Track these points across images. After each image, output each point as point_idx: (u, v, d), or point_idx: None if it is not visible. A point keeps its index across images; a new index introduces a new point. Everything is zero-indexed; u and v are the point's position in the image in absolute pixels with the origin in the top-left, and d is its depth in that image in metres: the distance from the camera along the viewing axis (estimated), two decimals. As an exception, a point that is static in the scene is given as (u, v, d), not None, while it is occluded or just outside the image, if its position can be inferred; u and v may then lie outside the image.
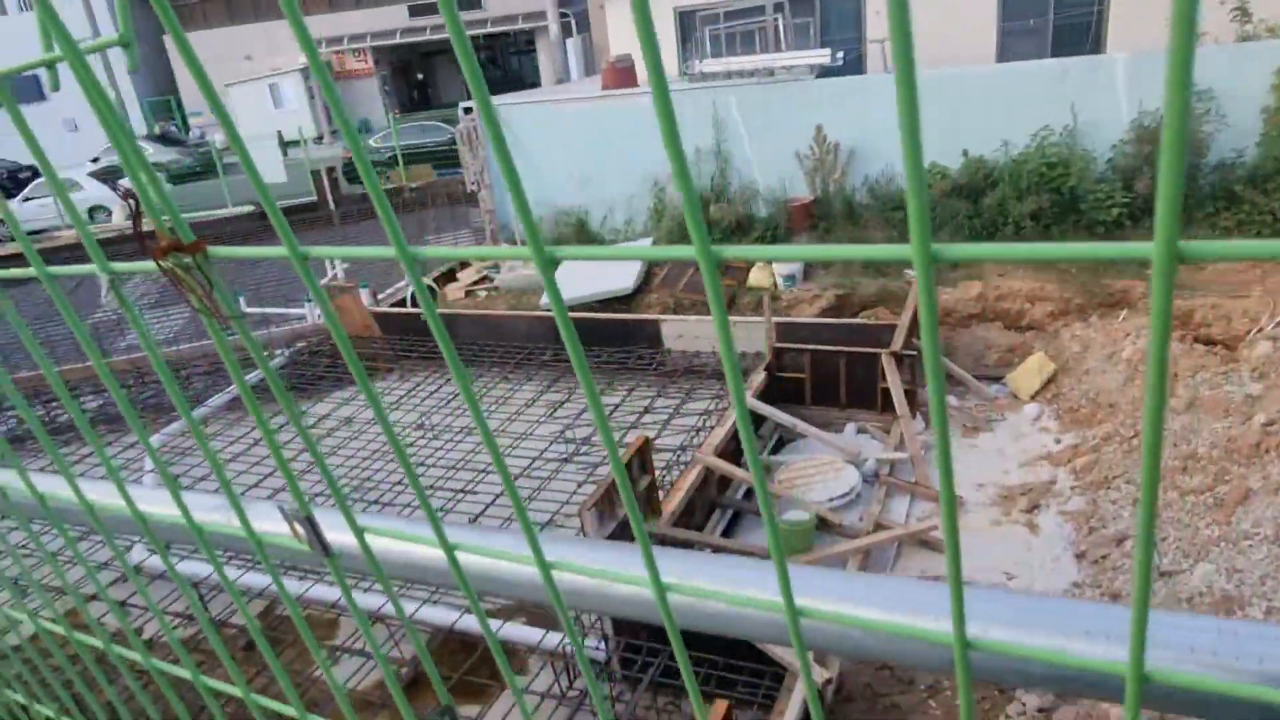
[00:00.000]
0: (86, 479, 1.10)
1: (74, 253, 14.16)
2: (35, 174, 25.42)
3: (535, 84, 30.36)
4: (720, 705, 3.96)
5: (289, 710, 0.92)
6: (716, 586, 0.67)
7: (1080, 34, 12.14)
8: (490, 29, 31.88)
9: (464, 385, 0.57)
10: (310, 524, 0.65)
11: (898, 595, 0.63)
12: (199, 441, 0.74)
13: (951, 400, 8.41)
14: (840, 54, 10.87)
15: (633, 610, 0.72)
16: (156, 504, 0.97)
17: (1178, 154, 0.32)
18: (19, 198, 22.50)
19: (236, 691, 0.95)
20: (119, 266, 0.67)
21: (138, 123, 33.25)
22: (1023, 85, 9.25)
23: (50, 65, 0.63)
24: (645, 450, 6.13)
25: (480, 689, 5.86)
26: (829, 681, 4.90)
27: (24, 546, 7.08)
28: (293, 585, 6.79)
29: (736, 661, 5.19)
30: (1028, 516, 6.67)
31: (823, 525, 6.63)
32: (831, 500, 6.92)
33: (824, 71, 10.44)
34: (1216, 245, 0.34)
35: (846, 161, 9.79)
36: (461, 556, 0.73)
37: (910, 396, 7.86)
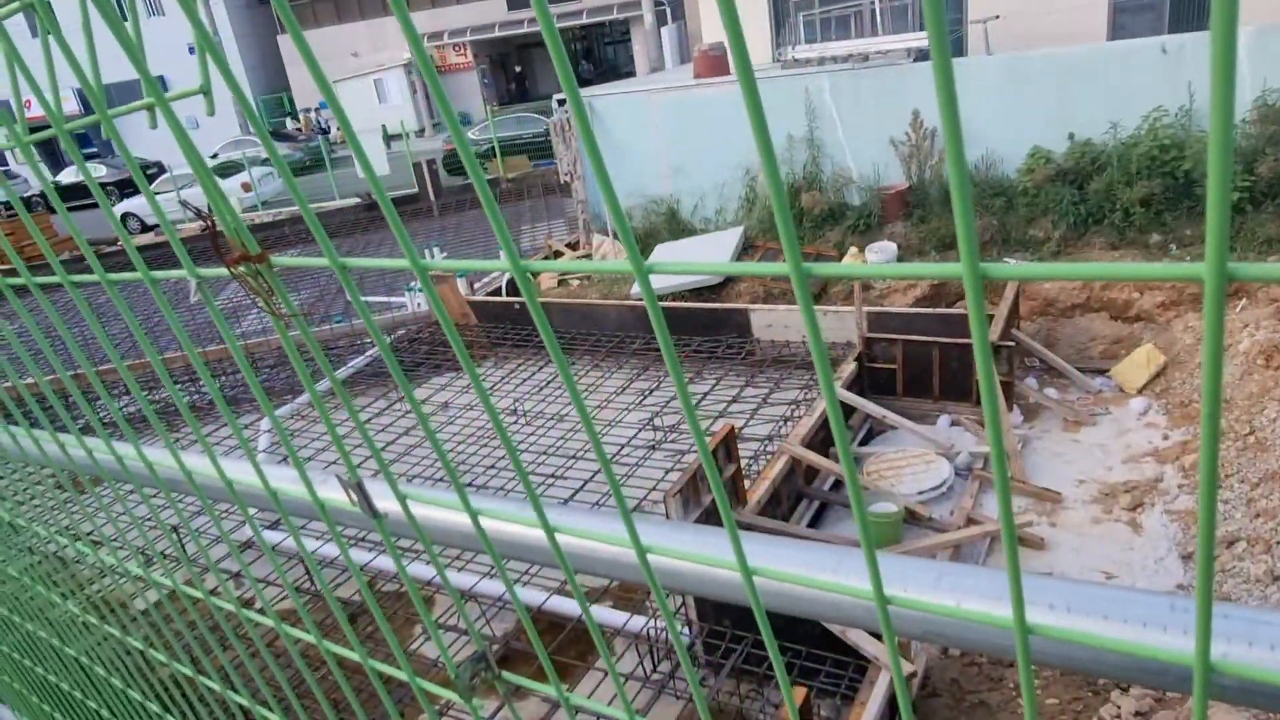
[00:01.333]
0: (221, 457, 1.20)
1: (196, 244, 14.99)
2: (160, 170, 27.00)
3: (630, 74, 30.46)
4: (799, 692, 3.98)
5: (399, 674, 0.99)
6: (802, 571, 0.69)
7: (1200, 8, 11.48)
8: (586, 20, 32.14)
9: (563, 369, 0.59)
10: (360, 489, 0.72)
11: (985, 583, 0.63)
12: (323, 416, 0.79)
13: (1052, 393, 8.13)
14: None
15: (722, 592, 0.74)
16: (281, 480, 1.04)
17: (1224, 172, 0.33)
18: (141, 195, 23.95)
19: (355, 656, 1.01)
20: (204, 272, 0.75)
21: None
22: (1135, 64, 8.82)
23: (150, 109, 0.72)
24: (731, 439, 6.15)
25: (567, 669, 6.01)
26: (914, 675, 4.85)
27: (148, 520, 7.62)
28: (389, 562, 7.09)
29: (820, 652, 5.18)
30: (1131, 515, 6.41)
31: (912, 518, 6.53)
32: (921, 493, 6.80)
33: (922, 55, 10.18)
34: (1268, 267, 0.35)
35: (944, 147, 9.53)
36: (561, 538, 0.77)
37: (1007, 389, 7.64)
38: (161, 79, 30.64)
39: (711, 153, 10.70)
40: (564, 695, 0.79)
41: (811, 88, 9.83)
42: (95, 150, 33.57)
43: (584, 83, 32.31)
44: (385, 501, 0.85)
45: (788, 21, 12.22)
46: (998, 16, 10.43)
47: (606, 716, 0.78)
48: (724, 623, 5.64)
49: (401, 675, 1.02)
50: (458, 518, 0.83)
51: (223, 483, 1.11)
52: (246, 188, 22.79)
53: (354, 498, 0.72)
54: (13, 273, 1.22)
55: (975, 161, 9.51)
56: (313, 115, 32.84)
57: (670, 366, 0.57)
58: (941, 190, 9.56)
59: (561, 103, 11.39)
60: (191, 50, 33.54)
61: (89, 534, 7.60)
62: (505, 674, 0.77)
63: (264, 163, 26.29)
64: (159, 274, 0.85)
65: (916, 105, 9.45)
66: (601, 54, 39.92)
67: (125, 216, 22.91)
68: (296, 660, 1.21)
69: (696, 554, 0.72)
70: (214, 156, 27.89)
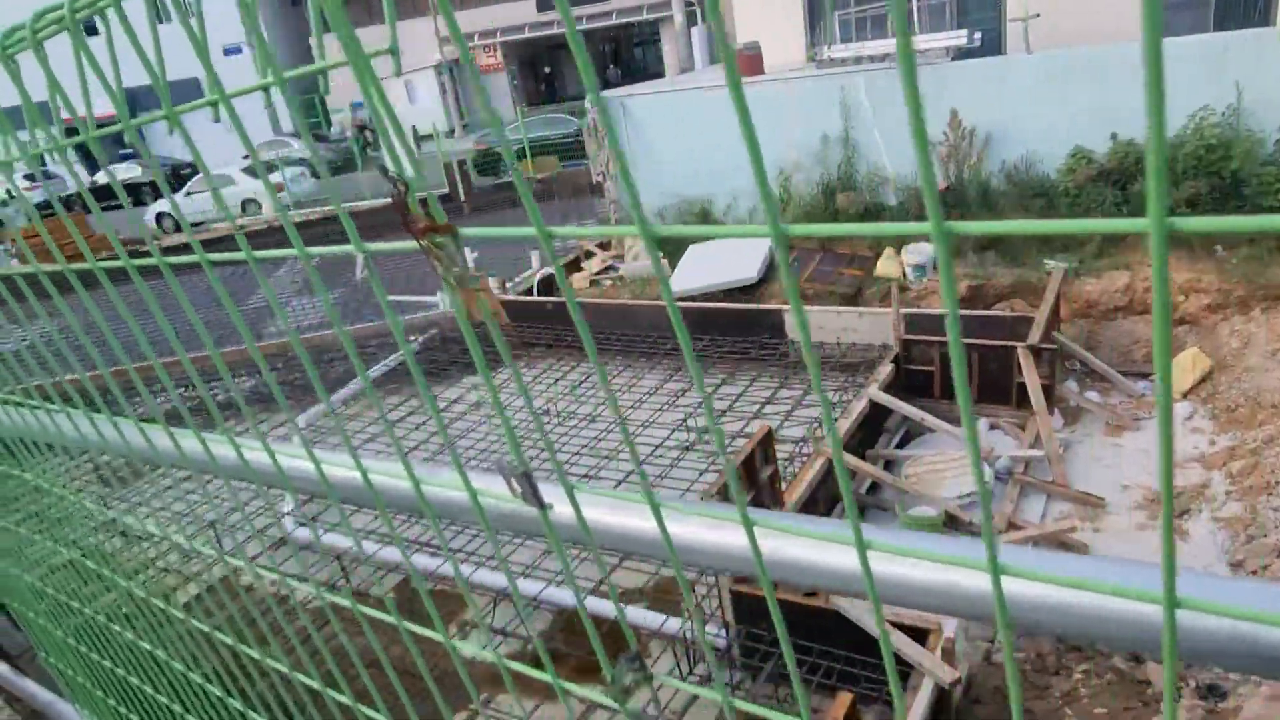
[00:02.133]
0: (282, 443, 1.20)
1: (230, 245, 15.11)
2: (194, 170, 27.35)
3: (659, 75, 30.44)
4: (844, 698, 3.92)
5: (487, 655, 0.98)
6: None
7: (1246, 5, 11.25)
8: (615, 20, 32.16)
9: (598, 365, 0.62)
10: (527, 479, 0.69)
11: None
12: (430, 407, 0.81)
13: (1094, 397, 7.99)
14: (978, 35, 10.45)
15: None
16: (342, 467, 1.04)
17: (1160, 128, 0.36)
18: (181, 192, 24.25)
19: (438, 636, 1.03)
20: (374, 247, 0.74)
21: (286, 120, 35.23)
22: (1179, 62, 8.65)
23: (214, 105, 0.75)
24: (768, 440, 6.10)
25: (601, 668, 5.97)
26: (957, 681, 4.77)
27: (186, 515, 7.68)
28: (424, 561, 7.10)
29: (860, 656, 5.12)
30: (1177, 521, 6.28)
31: (951, 522, 6.44)
32: (961, 497, 6.71)
33: (960, 54, 10.06)
34: (1208, 220, 0.37)
35: (983, 147, 9.41)
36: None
37: (1048, 392, 7.51)
38: (197, 80, 31.03)
39: (744, 153, 10.61)
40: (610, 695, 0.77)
41: (847, 87, 9.75)
42: (132, 151, 34.06)
43: (611, 86, 32.32)
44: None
45: (822, 21, 12.13)
46: (1037, 15, 10.29)
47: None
48: (761, 625, 5.59)
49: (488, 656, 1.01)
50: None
51: (314, 475, 1.10)
52: (279, 188, 23.02)
53: (518, 488, 0.70)
54: (58, 268, 1.23)
55: (1015, 161, 9.38)
56: (361, 114, 32.96)
57: (687, 357, 0.61)
58: (980, 190, 9.44)
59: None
60: (227, 52, 33.95)
61: (124, 527, 7.67)
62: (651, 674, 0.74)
63: (296, 163, 26.56)
64: (314, 250, 0.82)
65: (955, 104, 9.33)
66: (630, 56, 39.94)
67: (160, 216, 23.21)
68: (372, 639, 1.19)
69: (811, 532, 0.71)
70: (246, 157, 28.20)
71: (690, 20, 29.31)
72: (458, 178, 19.59)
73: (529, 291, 12.05)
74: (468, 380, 10.35)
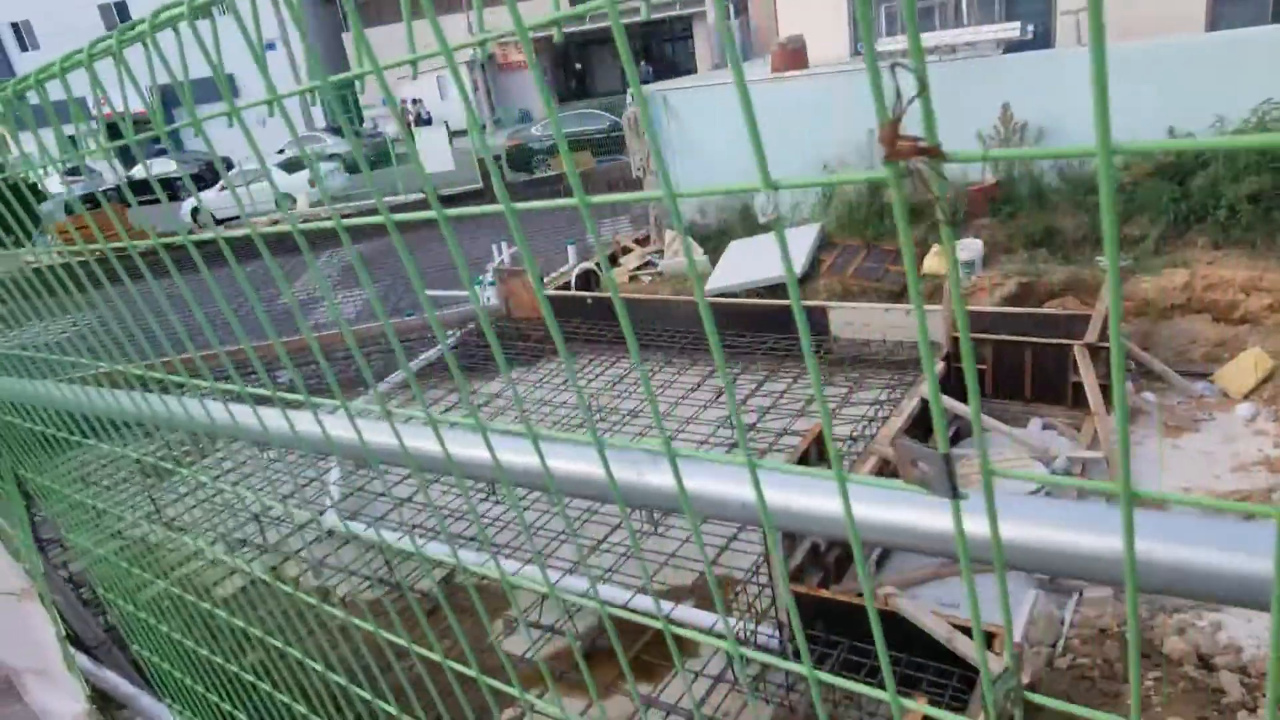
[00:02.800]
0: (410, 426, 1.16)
1: (266, 240, 15.17)
2: (229, 165, 27.58)
3: (690, 71, 30.30)
4: (919, 699, 3.81)
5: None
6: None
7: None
8: (647, 16, 32.02)
9: (636, 359, 0.61)
10: (945, 461, 0.61)
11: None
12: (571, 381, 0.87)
13: (1150, 397, 7.80)
14: (1030, 27, 10.25)
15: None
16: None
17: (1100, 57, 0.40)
18: (216, 187, 24.47)
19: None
20: (597, 199, 0.69)
21: (319, 115, 35.45)
22: (1240, 55, 8.42)
23: (270, 105, 0.82)
24: (822, 439, 5.98)
25: (653, 668, 5.91)
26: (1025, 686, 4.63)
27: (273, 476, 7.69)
28: (470, 557, 7.06)
29: (921, 660, 5.00)
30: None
31: (1009, 524, 6.29)
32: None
33: (1010, 47, 9.86)
34: (1147, 142, 0.42)
35: (1035, 142, 9.22)
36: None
37: (1105, 392, 7.34)
38: (231, 78, 31.34)
39: (788, 148, 10.48)
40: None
41: (897, 80, 9.56)
42: (165, 147, 34.39)
43: (643, 82, 32.16)
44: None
45: (870, 13, 11.92)
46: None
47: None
48: (817, 625, 5.48)
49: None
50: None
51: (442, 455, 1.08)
52: (312, 183, 23.15)
53: (926, 470, 0.61)
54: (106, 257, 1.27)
55: (1071, 159, 9.17)
56: (410, 106, 32.89)
57: (716, 355, 0.64)
58: (1032, 186, 9.25)
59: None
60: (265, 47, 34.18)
61: (173, 517, 7.71)
62: (1027, 693, 0.66)
63: (328, 159, 26.70)
64: (453, 211, 0.81)
65: (1006, 98, 9.15)
66: (660, 52, 39.81)
67: (195, 210, 23.39)
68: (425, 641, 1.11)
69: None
70: (280, 152, 28.40)
71: (724, 15, 29.20)
72: (491, 172, 19.57)
73: (566, 286, 11.99)
74: (514, 374, 10.30)
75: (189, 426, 1.48)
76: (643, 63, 31.88)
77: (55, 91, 1.12)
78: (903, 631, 5.01)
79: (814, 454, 5.89)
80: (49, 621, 2.33)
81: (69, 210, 20.14)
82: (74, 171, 23.06)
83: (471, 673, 0.98)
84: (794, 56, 10.91)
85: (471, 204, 20.16)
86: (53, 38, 36.39)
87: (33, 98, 1.18)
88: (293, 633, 1.69)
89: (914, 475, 0.62)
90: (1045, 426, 7.71)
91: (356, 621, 1.41)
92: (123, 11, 35.72)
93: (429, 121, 30.90)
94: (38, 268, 1.67)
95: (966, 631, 4.76)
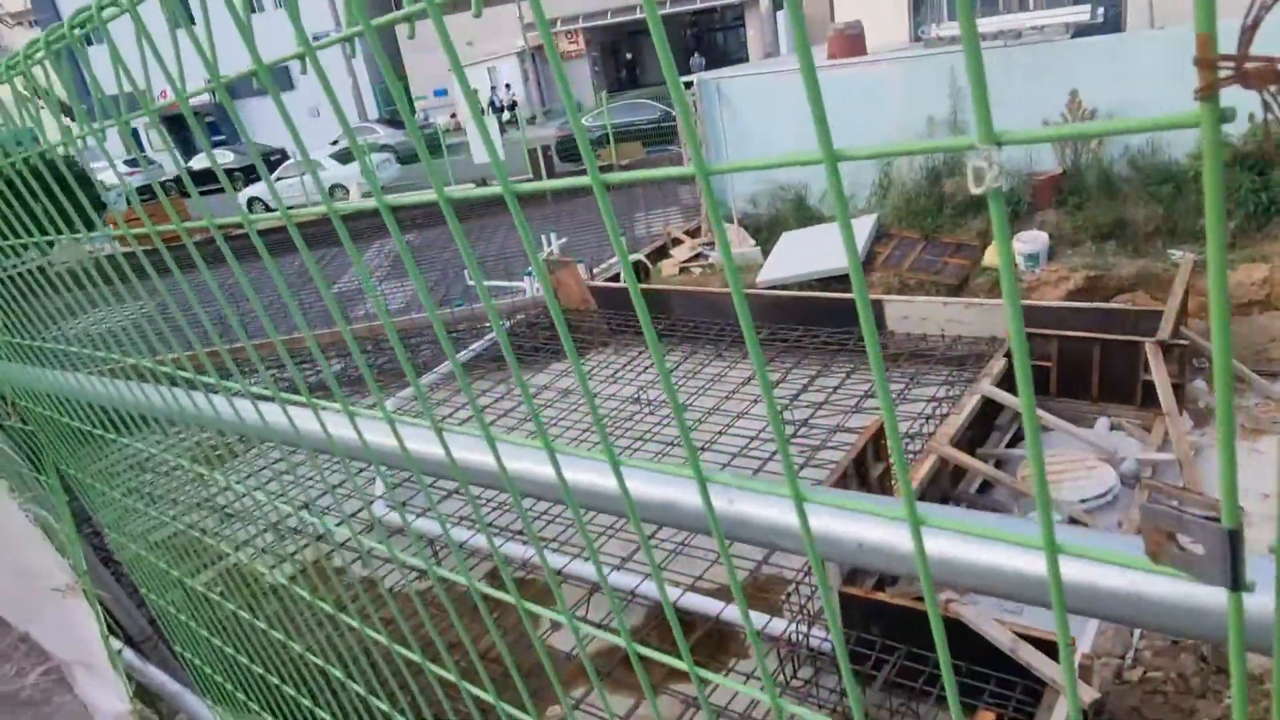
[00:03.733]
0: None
1: (320, 228, 15.35)
2: (283, 157, 27.99)
3: (741, 60, 29.95)
4: (985, 717, 3.63)
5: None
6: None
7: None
8: (699, 5, 31.76)
9: (657, 353, 0.64)
10: (1231, 541, 0.45)
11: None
12: (585, 391, 0.79)
13: (1226, 398, 7.44)
14: (1100, 10, 9.84)
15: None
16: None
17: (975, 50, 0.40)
18: (270, 177, 24.84)
19: (560, 617, 1.01)
20: (617, 176, 0.60)
21: (371, 107, 35.83)
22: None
23: (301, 59, 0.77)
24: (880, 436, 5.80)
25: (703, 667, 5.77)
26: (1096, 702, 4.42)
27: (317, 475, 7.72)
28: (516, 549, 7.00)
29: (982, 669, 4.80)
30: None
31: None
32: (1084, 501, 6.29)
33: (1079, 31, 9.47)
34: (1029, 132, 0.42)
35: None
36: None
37: (1177, 391, 7.01)
38: (287, 70, 31.80)
39: (842, 136, 10.18)
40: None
41: (958, 67, 9.26)
42: (223, 138, 35.09)
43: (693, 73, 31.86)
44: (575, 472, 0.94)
45: (929, -1, 11.63)
46: (1166, -12, 9.65)
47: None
48: (873, 630, 5.30)
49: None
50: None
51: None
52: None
53: (1199, 549, 0.47)
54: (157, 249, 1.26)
55: (1139, 145, 8.79)
56: (504, 91, 32.73)
57: (751, 350, 0.61)
58: (1101, 176, 8.88)
59: (689, 85, 11.12)
60: (314, 38, 34.61)
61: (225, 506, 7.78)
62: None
63: (380, 149, 26.93)
64: (521, 187, 0.73)
65: (1075, 84, 8.79)
66: (711, 41, 39.45)
67: (251, 201, 23.78)
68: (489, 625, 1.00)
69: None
70: (334, 143, 28.72)
71: (776, 4, 28.77)
72: (541, 164, 19.55)
73: (615, 278, 11.88)
74: (556, 366, 10.23)
75: (218, 425, 1.45)
76: (696, 55, 31.55)
77: (108, 85, 1.10)
78: (963, 638, 4.81)
79: (870, 452, 5.70)
80: (93, 618, 2.27)
81: (147, 196, 20.65)
82: (132, 163, 23.50)
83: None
84: (852, 43, 10.64)
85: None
86: (117, 33, 37.20)
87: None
88: (335, 630, 1.60)
89: (1168, 552, 0.46)
90: (1113, 427, 7.40)
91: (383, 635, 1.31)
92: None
93: (514, 107, 30.91)
94: (98, 258, 1.65)
95: (1031, 641, 4.55)
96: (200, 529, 2.13)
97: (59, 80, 1.18)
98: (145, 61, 0.93)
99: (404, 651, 1.30)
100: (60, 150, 1.32)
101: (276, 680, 1.75)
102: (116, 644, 2.11)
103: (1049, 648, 4.55)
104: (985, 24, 9.76)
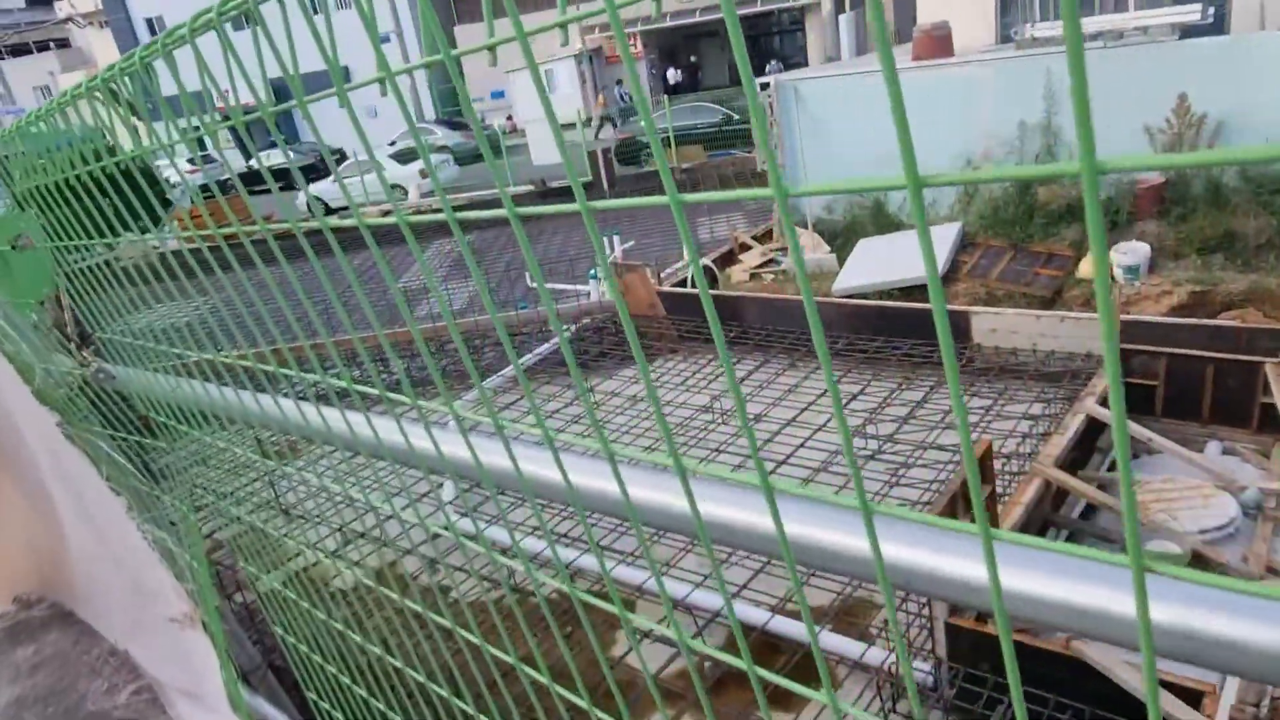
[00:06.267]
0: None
1: (377, 229, 15.31)
2: (342, 157, 28.23)
3: (800, 63, 29.56)
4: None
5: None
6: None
7: None
8: (760, 7, 31.42)
9: (726, 364, 0.64)
10: None
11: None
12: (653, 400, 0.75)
13: (1350, 424, 6.94)
14: (1210, 10, 9.35)
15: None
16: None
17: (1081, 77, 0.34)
18: (329, 178, 25.02)
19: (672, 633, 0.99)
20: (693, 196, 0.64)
21: (429, 108, 36.05)
22: None
23: (381, 82, 0.80)
24: (987, 456, 5.44)
25: (785, 696, 5.48)
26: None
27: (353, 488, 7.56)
28: (590, 563, 6.76)
29: (1106, 714, 4.44)
30: None
31: (1196, 562, 5.61)
32: (1204, 532, 5.86)
33: (1189, 32, 9.00)
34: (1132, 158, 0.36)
35: (1213, 136, 8.37)
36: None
37: (1296, 417, 6.54)
38: (346, 69, 32.16)
39: (927, 140, 9.86)
40: None
41: (1054, 69, 8.86)
42: (284, 136, 35.55)
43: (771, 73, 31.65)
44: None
45: (1017, -1, 11.20)
46: (1280, -12, 9.13)
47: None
48: (981, 665, 4.95)
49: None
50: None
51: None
52: (424, 174, 23.43)
53: None
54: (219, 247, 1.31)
55: (1250, 153, 8.30)
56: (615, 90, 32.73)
57: (820, 355, 0.59)
58: (1208, 185, 8.41)
59: (764, 87, 10.83)
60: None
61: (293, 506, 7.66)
62: None
63: (438, 150, 27.01)
64: (601, 204, 0.72)
65: (1182, 87, 8.33)
66: (769, 45, 39.07)
67: (392, 188, 23.97)
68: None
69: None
70: (392, 144, 28.91)
71: (839, 7, 28.32)
72: (601, 167, 19.40)
73: (681, 284, 11.61)
74: (625, 373, 10.00)
75: (282, 427, 1.46)
76: (774, 61, 31.22)
77: (165, 83, 1.12)
78: (1088, 679, 4.46)
79: (981, 476, 5.35)
80: (212, 652, 2.04)
81: (206, 194, 20.88)
82: (203, 160, 23.90)
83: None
84: (939, 44, 10.25)
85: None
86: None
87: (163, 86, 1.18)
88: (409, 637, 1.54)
89: None
90: (1225, 451, 6.94)
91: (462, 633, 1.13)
92: (248, 6, 37.05)
93: (463, 125, 31.01)
94: (163, 253, 1.70)
95: (1173, 689, 4.18)
96: (319, 548, 1.93)
97: (131, 91, 1.23)
98: (204, 74, 0.98)
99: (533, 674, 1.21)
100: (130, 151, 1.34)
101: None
102: (243, 692, 1.89)
103: (1189, 695, 4.18)
104: (1086, 24, 9.31)
